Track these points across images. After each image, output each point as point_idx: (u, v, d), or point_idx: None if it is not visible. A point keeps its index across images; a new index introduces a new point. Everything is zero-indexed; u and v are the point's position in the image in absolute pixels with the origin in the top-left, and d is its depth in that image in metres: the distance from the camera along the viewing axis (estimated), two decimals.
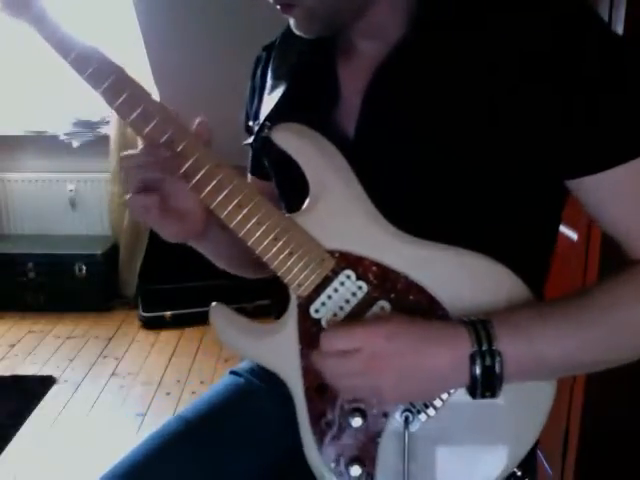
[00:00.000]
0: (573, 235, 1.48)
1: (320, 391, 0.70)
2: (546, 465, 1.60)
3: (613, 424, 1.44)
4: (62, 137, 3.17)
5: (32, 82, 3.02)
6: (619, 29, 1.27)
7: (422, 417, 0.68)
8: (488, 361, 0.60)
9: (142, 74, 2.86)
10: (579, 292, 0.65)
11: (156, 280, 3.14)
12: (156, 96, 2.85)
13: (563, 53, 0.62)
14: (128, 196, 0.69)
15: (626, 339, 0.64)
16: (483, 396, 0.62)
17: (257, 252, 0.70)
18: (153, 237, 3.05)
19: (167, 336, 2.96)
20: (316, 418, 0.70)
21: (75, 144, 3.17)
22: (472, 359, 0.60)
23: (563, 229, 1.50)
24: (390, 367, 0.61)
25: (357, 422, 0.69)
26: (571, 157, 0.65)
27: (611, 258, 0.69)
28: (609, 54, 0.63)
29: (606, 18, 1.30)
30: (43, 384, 2.50)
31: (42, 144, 3.31)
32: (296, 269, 0.69)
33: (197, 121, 0.71)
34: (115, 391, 2.49)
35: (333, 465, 0.70)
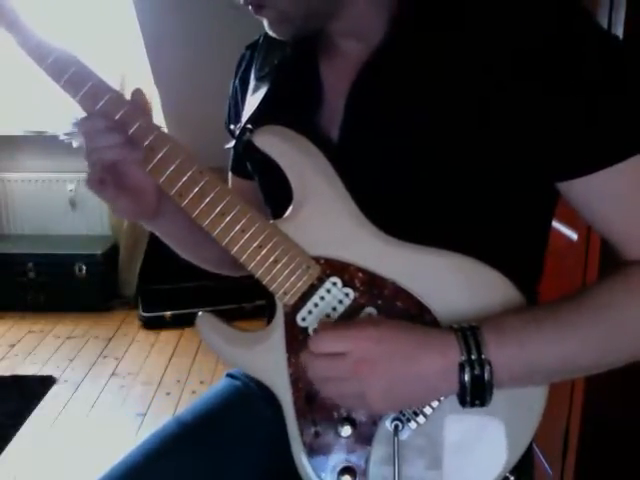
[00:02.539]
0: (573, 235, 1.48)
1: (309, 400, 0.69)
2: (546, 465, 1.60)
3: (613, 424, 1.44)
4: (62, 137, 3.17)
5: (32, 82, 3.01)
6: (619, 30, 1.26)
7: (412, 425, 0.67)
8: (477, 370, 0.59)
9: (142, 74, 2.86)
10: (572, 295, 0.64)
11: (156, 280, 3.14)
12: (156, 96, 2.85)
13: (552, 53, 0.61)
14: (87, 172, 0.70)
15: (622, 340, 0.63)
16: (472, 404, 0.61)
17: (241, 260, 0.69)
18: (153, 237, 3.04)
19: (167, 336, 2.96)
20: (305, 427, 0.70)
21: (75, 144, 3.17)
22: (461, 367, 0.60)
23: (563, 229, 1.50)
24: (378, 373, 0.60)
25: (347, 431, 0.68)
26: (559, 160, 0.64)
27: (611, 258, 0.68)
28: (597, 54, 0.62)
29: (606, 19, 1.30)
30: (43, 384, 2.50)
31: (42, 144, 3.31)
32: (281, 277, 0.68)
33: (133, 91, 0.71)
34: (115, 391, 2.49)
35: (323, 475, 0.69)
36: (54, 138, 3.20)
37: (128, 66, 3.02)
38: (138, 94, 0.72)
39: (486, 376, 0.59)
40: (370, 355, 0.60)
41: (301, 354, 0.63)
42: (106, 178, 0.71)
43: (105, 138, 0.68)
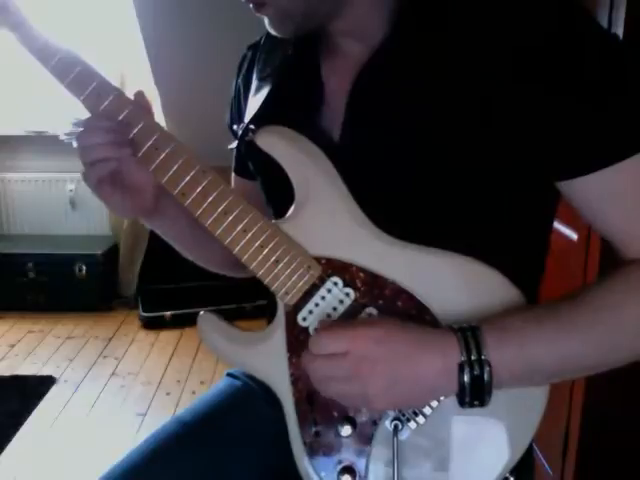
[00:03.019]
0: (573, 235, 1.48)
1: (309, 400, 0.69)
2: (546, 465, 1.60)
3: (613, 424, 1.44)
4: (62, 137, 3.17)
5: (32, 82, 3.01)
6: (619, 30, 1.27)
7: (412, 425, 0.67)
8: (477, 370, 0.59)
9: (142, 74, 2.86)
10: (572, 294, 0.64)
11: (156, 280, 3.14)
12: (156, 96, 2.85)
13: (553, 52, 0.61)
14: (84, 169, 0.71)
15: (622, 340, 0.63)
16: (472, 405, 0.61)
17: (243, 260, 0.69)
18: (153, 237, 3.05)
19: (167, 336, 2.96)
20: (306, 427, 0.70)
21: (75, 144, 3.17)
22: (460, 368, 0.60)
23: (563, 229, 1.50)
24: (378, 372, 0.60)
25: (347, 431, 0.68)
26: (559, 159, 0.64)
27: (611, 258, 0.68)
28: (598, 53, 0.62)
29: (606, 19, 1.30)
30: (43, 384, 2.50)
31: (42, 144, 3.31)
32: (283, 277, 0.68)
33: (135, 93, 0.72)
34: (115, 391, 2.49)
35: (324, 474, 0.69)
36: (54, 138, 3.20)
37: (128, 66, 3.02)
38: (140, 95, 0.72)
39: (486, 377, 0.59)
40: (370, 355, 0.60)
41: (302, 355, 0.64)
42: (104, 178, 0.71)
43: (92, 137, 0.69)
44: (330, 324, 0.67)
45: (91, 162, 0.70)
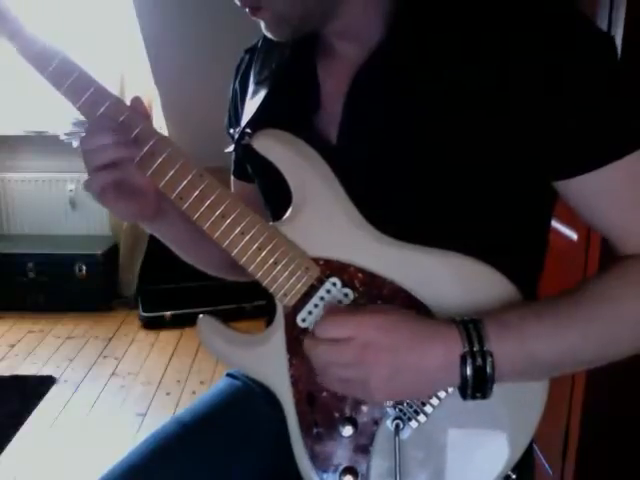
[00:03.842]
0: (573, 235, 1.48)
1: (310, 400, 0.69)
2: (546, 465, 1.60)
3: (613, 424, 1.44)
4: (62, 137, 3.17)
5: (32, 82, 3.01)
6: (619, 30, 1.27)
7: (413, 424, 0.67)
8: (479, 361, 0.59)
9: (142, 74, 2.86)
10: (570, 290, 0.65)
11: (156, 280, 3.14)
12: (156, 96, 2.85)
13: (549, 53, 0.61)
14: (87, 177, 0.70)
15: (621, 333, 0.63)
16: (474, 397, 0.61)
17: (241, 262, 0.69)
18: (153, 237, 3.04)
19: (167, 336, 2.96)
20: (307, 428, 0.70)
21: (75, 144, 3.17)
22: (463, 359, 0.60)
23: (563, 229, 1.50)
24: (382, 360, 0.60)
25: (348, 431, 0.68)
26: (555, 159, 0.64)
27: (611, 257, 0.68)
28: (595, 55, 0.62)
29: (606, 19, 1.30)
30: (43, 384, 2.50)
31: (42, 144, 3.31)
32: (281, 278, 0.69)
33: (132, 98, 0.71)
34: (115, 391, 2.49)
35: (325, 476, 0.69)
36: (54, 138, 3.20)
37: (128, 66, 3.02)
38: (137, 101, 0.72)
39: (488, 368, 0.60)
40: (374, 342, 0.60)
41: (305, 338, 0.63)
42: (107, 185, 0.70)
43: (98, 138, 0.68)
44: (336, 309, 0.67)
45: (98, 167, 0.68)
